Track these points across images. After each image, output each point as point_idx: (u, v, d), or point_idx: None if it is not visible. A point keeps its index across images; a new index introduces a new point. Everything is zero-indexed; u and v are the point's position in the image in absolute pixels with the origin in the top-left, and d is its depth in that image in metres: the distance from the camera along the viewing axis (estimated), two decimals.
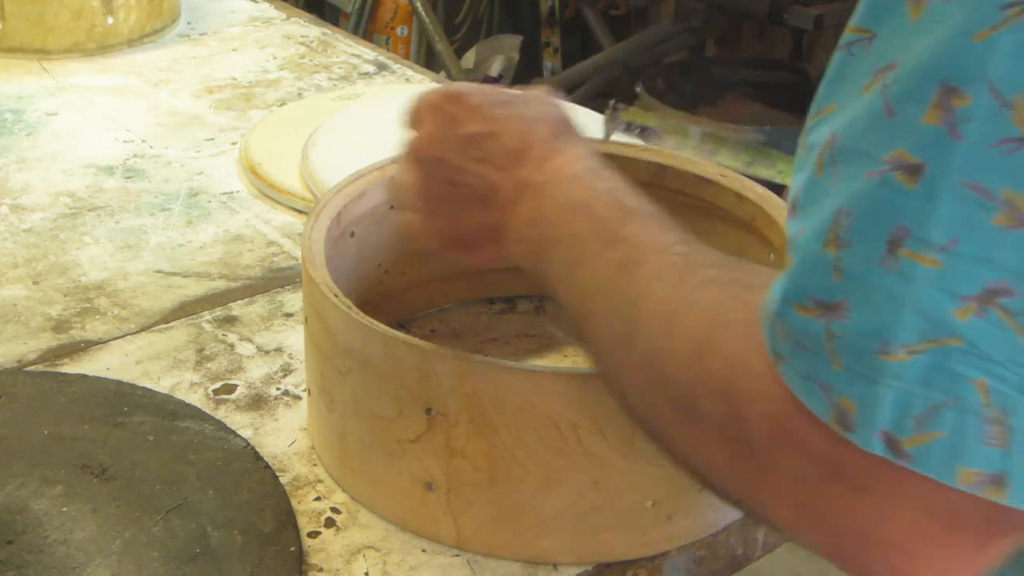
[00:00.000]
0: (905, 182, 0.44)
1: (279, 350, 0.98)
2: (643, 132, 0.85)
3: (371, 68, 1.52)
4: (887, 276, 0.44)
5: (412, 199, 0.74)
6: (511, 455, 0.73)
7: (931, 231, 0.44)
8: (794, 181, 0.50)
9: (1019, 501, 0.44)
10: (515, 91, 0.74)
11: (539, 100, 0.74)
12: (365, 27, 3.23)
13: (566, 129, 0.71)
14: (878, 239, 0.45)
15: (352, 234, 0.90)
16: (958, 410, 0.44)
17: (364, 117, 1.26)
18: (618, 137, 0.86)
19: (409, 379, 0.74)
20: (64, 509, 0.78)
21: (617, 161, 0.85)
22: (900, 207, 0.44)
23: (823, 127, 0.48)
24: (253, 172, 1.23)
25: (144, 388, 0.91)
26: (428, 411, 0.74)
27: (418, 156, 0.73)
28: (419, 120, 0.74)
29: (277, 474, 0.83)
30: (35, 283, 1.06)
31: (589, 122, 1.20)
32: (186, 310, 1.03)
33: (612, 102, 0.84)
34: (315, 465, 0.85)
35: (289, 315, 1.02)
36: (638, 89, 2.96)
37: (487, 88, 0.74)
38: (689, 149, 0.87)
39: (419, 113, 0.74)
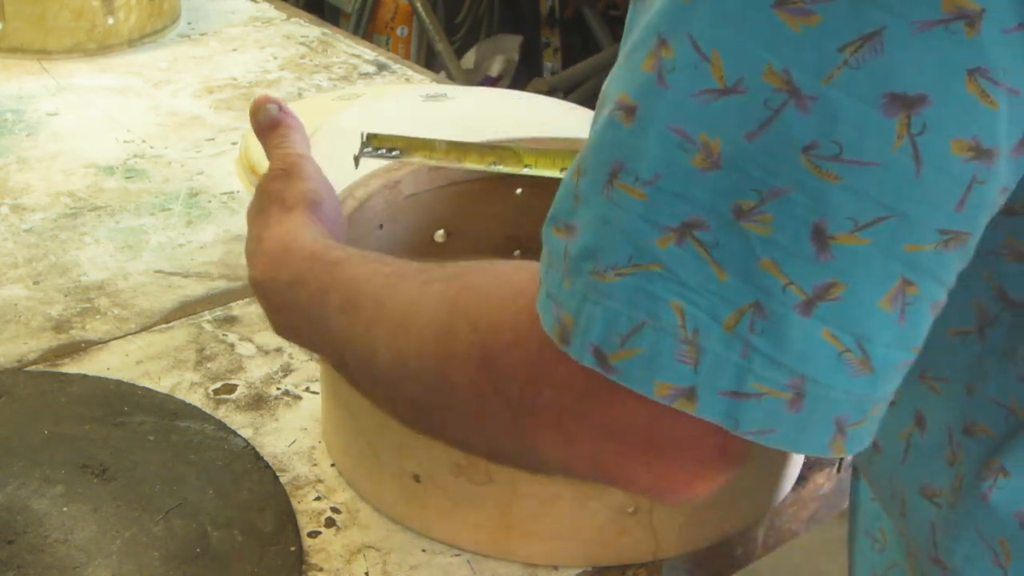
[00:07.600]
0: (624, 121, 0.49)
1: (279, 350, 0.98)
2: (391, 152, 0.90)
3: (371, 68, 1.52)
4: (605, 203, 0.49)
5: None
6: None
7: (640, 166, 0.48)
8: None
9: (707, 413, 0.48)
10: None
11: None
12: (365, 27, 3.22)
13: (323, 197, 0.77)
14: (602, 170, 0.49)
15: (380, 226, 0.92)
16: (656, 329, 0.48)
17: (364, 117, 1.26)
18: (370, 161, 0.91)
19: None
20: (64, 509, 0.79)
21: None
22: (619, 143, 0.49)
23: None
24: (253, 172, 1.23)
25: (144, 388, 0.91)
26: None
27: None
28: None
29: (277, 474, 0.83)
30: (35, 283, 1.06)
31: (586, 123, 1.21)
32: (186, 310, 1.03)
33: (363, 133, 0.89)
34: (315, 465, 0.85)
35: None
36: None
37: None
38: (436, 160, 0.91)
39: None
